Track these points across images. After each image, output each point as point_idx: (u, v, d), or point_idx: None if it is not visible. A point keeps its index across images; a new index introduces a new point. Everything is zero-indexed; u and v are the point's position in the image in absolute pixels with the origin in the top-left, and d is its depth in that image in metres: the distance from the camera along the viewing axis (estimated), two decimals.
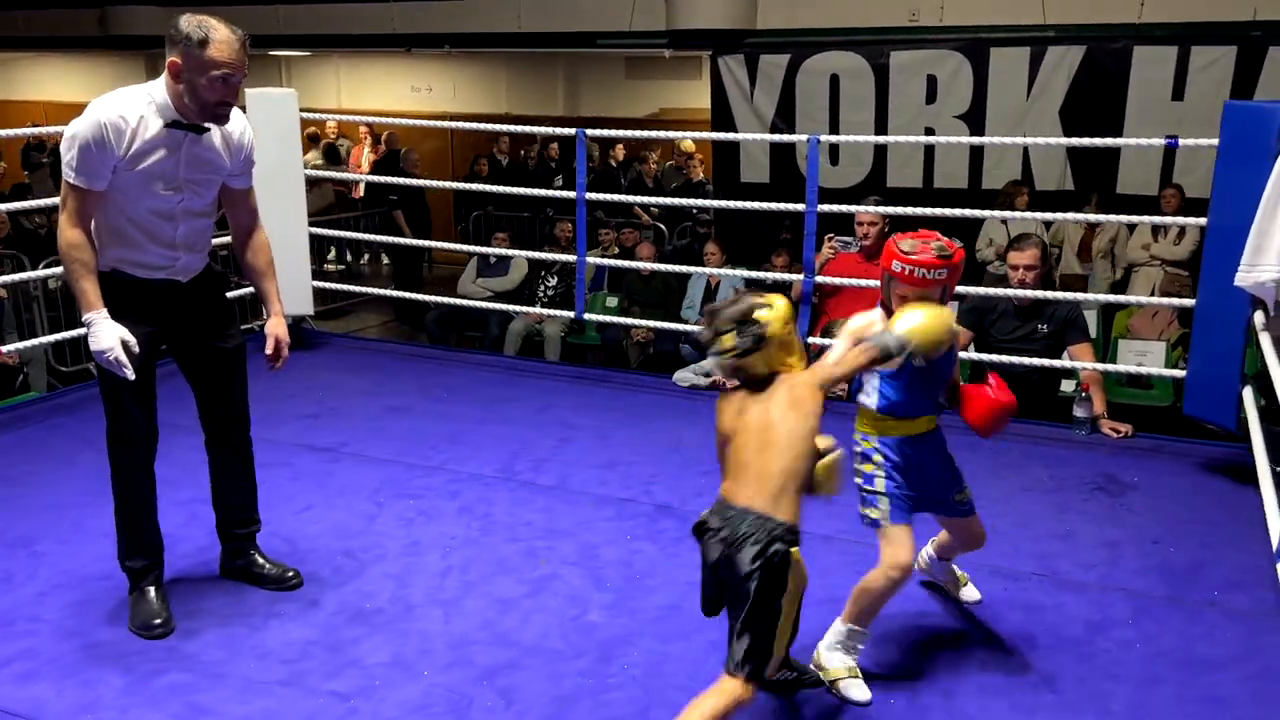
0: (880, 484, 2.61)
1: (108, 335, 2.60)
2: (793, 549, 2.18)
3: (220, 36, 2.58)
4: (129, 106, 2.62)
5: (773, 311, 2.31)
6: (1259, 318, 3.69)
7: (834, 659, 2.60)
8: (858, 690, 2.55)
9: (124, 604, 2.86)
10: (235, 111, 2.75)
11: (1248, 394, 3.84)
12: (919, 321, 2.41)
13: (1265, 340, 3.56)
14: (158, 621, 2.77)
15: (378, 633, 2.80)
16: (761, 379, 2.33)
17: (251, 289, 3.06)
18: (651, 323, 5.87)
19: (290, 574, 3.05)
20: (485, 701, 2.51)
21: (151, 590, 2.84)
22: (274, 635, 2.79)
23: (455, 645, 2.75)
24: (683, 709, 2.16)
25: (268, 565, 3.06)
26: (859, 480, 2.65)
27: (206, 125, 2.71)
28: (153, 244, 2.73)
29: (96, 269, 2.66)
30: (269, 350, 2.93)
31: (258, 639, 2.77)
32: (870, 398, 2.65)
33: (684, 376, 5.02)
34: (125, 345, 2.62)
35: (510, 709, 2.48)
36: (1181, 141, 4.32)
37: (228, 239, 3.12)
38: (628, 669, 2.65)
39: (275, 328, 2.95)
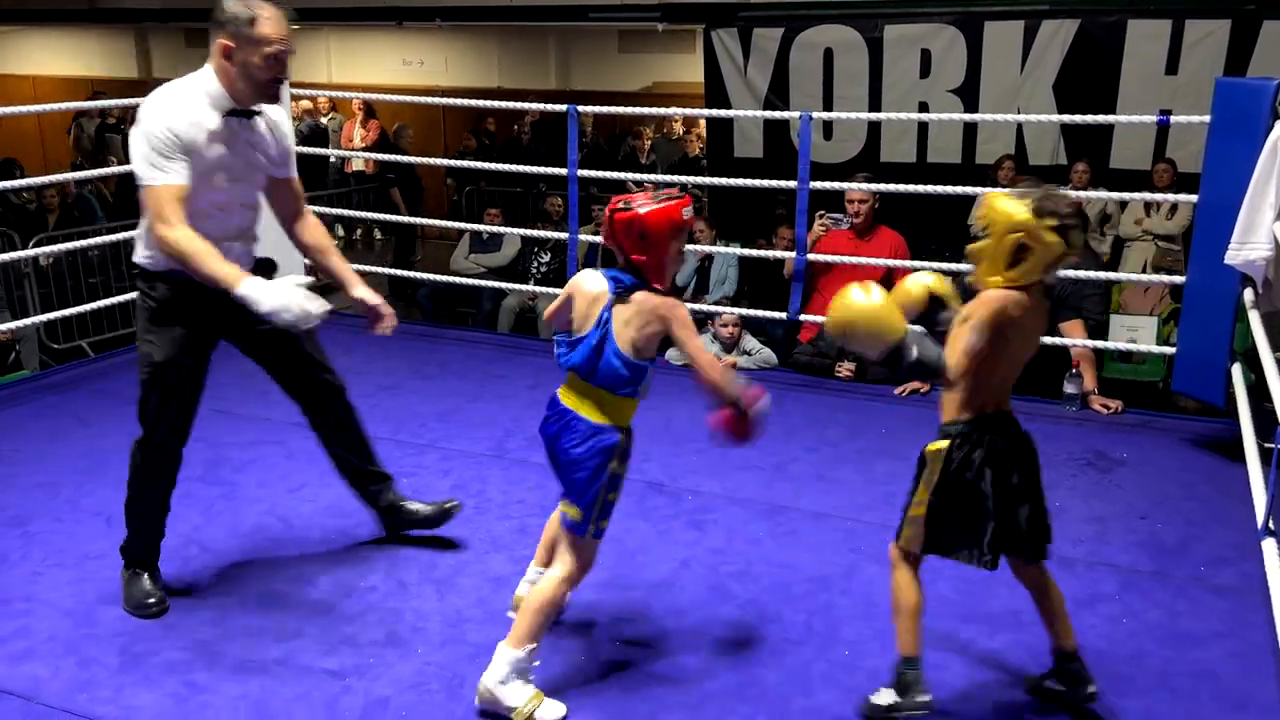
0: None
1: (279, 289, 2.46)
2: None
3: (267, 13, 2.58)
4: (188, 103, 2.60)
5: None
6: (1248, 295, 3.71)
7: (515, 691, 2.36)
8: (552, 709, 2.37)
9: (119, 583, 2.87)
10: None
11: (1236, 371, 3.86)
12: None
13: (1254, 317, 3.58)
14: (152, 601, 2.79)
15: (372, 611, 2.83)
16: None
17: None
18: None
19: (449, 504, 3.15)
20: (479, 679, 2.52)
21: (146, 570, 2.85)
22: (268, 614, 2.81)
23: (449, 623, 2.77)
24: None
25: (420, 508, 3.13)
26: None
27: (258, 110, 2.70)
28: (213, 240, 2.63)
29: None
30: (384, 312, 2.85)
31: (252, 618, 2.79)
32: None
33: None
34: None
35: None
36: (1173, 118, 4.32)
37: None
38: (618, 646, 2.67)
39: (368, 295, 2.86)
